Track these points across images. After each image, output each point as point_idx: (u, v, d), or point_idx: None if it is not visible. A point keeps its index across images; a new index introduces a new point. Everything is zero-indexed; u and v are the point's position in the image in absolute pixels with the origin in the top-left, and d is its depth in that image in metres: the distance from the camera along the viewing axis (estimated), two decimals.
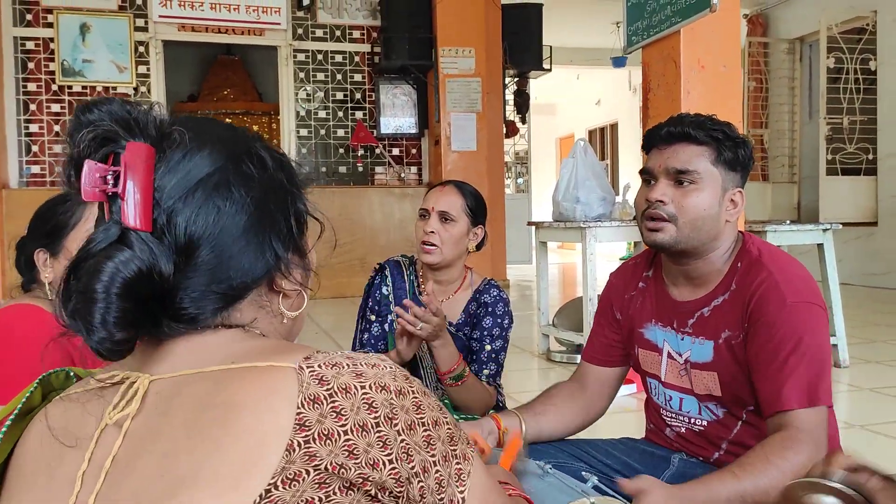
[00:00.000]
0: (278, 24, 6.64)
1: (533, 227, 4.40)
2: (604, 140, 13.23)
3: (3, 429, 0.69)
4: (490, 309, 1.90)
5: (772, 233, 3.62)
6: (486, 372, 1.88)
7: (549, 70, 7.98)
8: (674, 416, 1.47)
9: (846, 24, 7.19)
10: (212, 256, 0.67)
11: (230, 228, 0.68)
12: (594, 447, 1.51)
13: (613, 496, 1.20)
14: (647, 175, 1.40)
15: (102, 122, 0.64)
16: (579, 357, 1.98)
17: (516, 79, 8.12)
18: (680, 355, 1.42)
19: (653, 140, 1.41)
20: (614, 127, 12.82)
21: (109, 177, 0.63)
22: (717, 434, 1.40)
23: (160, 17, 6.32)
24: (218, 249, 0.67)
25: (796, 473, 1.05)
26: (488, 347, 1.88)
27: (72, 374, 0.76)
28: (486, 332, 1.89)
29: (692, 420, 1.43)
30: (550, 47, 7.92)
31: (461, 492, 0.66)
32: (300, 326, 0.80)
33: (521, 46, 7.43)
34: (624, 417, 2.81)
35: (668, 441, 1.49)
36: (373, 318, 1.96)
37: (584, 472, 1.32)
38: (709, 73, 3.23)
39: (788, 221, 4.53)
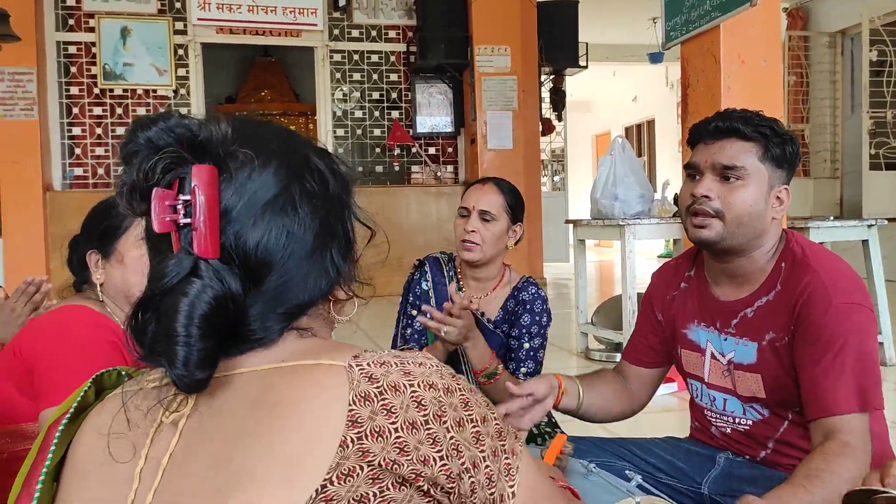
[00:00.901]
0: (315, 24, 6.70)
1: (570, 225, 4.37)
2: (640, 137, 13.09)
3: (61, 427, 0.70)
4: (528, 306, 1.90)
5: (815, 229, 3.55)
6: (523, 370, 1.87)
7: (585, 67, 7.93)
8: (718, 416, 1.45)
9: (888, 16, 7.01)
10: (280, 279, 0.67)
11: (298, 250, 0.67)
12: (638, 446, 1.50)
13: (658, 495, 1.19)
14: (692, 170, 1.38)
15: (161, 140, 0.62)
16: (619, 356, 1.97)
17: (552, 76, 8.08)
18: (723, 356, 1.40)
19: (699, 135, 1.39)
20: (651, 123, 12.67)
21: (180, 206, 0.62)
22: (763, 433, 1.38)
23: (199, 20, 6.41)
24: (286, 271, 0.67)
25: (853, 481, 1.03)
26: (527, 345, 1.88)
27: (123, 373, 0.77)
28: (524, 330, 1.88)
29: (737, 420, 1.41)
30: (587, 44, 7.86)
31: (511, 486, 0.67)
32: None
33: (557, 44, 7.39)
34: (665, 416, 2.78)
35: (714, 439, 1.48)
36: (414, 313, 1.97)
37: (627, 472, 1.30)
38: (749, 67, 3.18)
39: (832, 217, 4.43)
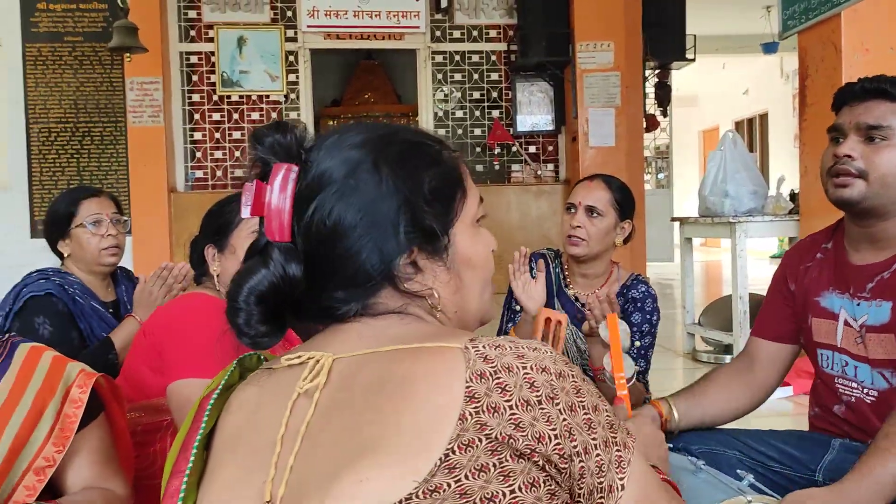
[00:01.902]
0: (417, 27, 6.82)
1: (676, 224, 4.26)
2: (752, 131, 12.54)
3: (211, 401, 0.77)
4: (639, 305, 1.88)
5: None
6: (635, 368, 1.86)
7: (693, 60, 7.67)
8: (847, 383, 1.42)
9: None
10: (337, 257, 0.73)
11: (352, 233, 0.73)
12: (749, 436, 1.47)
13: (771, 495, 1.16)
14: (836, 132, 1.37)
15: (258, 147, 0.75)
16: (728, 357, 1.91)
17: (657, 71, 7.87)
18: (856, 321, 1.38)
19: (844, 97, 1.37)
20: (764, 117, 12.12)
21: (267, 195, 0.73)
22: (889, 403, 1.33)
23: (308, 27, 6.65)
24: (341, 251, 0.73)
25: None
26: (637, 344, 1.86)
27: (262, 357, 0.85)
28: (634, 329, 1.87)
29: (865, 390, 1.38)
30: (695, 36, 7.61)
31: (621, 479, 0.68)
32: (472, 319, 0.83)
33: (663, 37, 7.17)
34: (779, 421, 2.68)
35: (833, 423, 1.44)
36: (518, 308, 1.99)
37: (739, 471, 1.28)
38: (873, 56, 3.02)
39: None
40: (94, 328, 2.00)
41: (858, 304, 1.38)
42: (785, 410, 2.84)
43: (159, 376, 1.53)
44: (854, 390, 1.40)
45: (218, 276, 1.64)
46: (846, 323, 1.40)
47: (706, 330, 3.87)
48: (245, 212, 0.74)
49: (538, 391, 0.65)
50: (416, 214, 0.75)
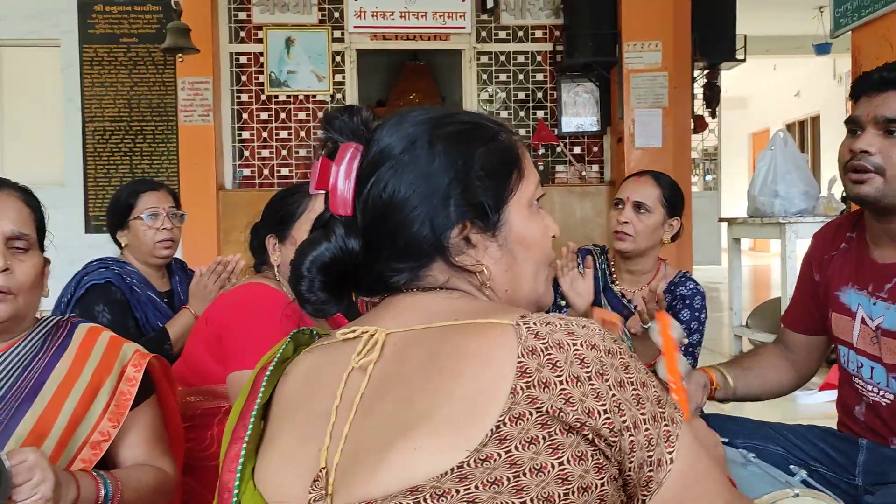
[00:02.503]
0: (463, 27, 6.84)
1: (723, 227, 4.20)
2: (804, 134, 12.26)
3: (268, 373, 0.80)
4: (688, 302, 1.87)
5: None
6: None
7: (743, 60, 7.53)
8: (864, 384, 1.38)
9: None
10: (391, 229, 0.76)
11: (405, 206, 0.76)
12: (792, 432, 1.45)
13: (823, 491, 1.14)
14: (854, 125, 1.31)
15: (328, 128, 0.81)
16: None
17: (706, 71, 7.75)
18: (872, 320, 1.33)
19: (863, 87, 1.32)
20: (815, 120, 11.84)
21: (332, 172, 0.77)
22: None
23: (355, 27, 6.72)
24: (395, 223, 0.76)
25: None
26: (685, 341, 1.85)
27: (315, 332, 0.88)
28: (684, 326, 1.85)
29: (881, 392, 1.34)
30: (745, 36, 7.48)
31: (670, 453, 0.68)
32: (525, 300, 0.83)
33: (713, 37, 7.06)
34: (827, 424, 2.62)
35: (856, 421, 1.41)
36: (563, 303, 1.99)
37: (792, 466, 1.27)
38: None
39: None
40: (149, 317, 2.06)
41: (875, 304, 1.33)
42: (832, 413, 2.78)
43: (219, 364, 1.56)
44: (870, 392, 1.36)
45: (278, 266, 1.65)
46: (863, 321, 1.35)
47: (754, 332, 3.81)
48: (312, 187, 0.79)
49: (588, 367, 0.66)
50: (469, 189, 0.77)
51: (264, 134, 6.80)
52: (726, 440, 1.37)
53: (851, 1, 3.25)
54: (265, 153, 6.82)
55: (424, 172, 0.76)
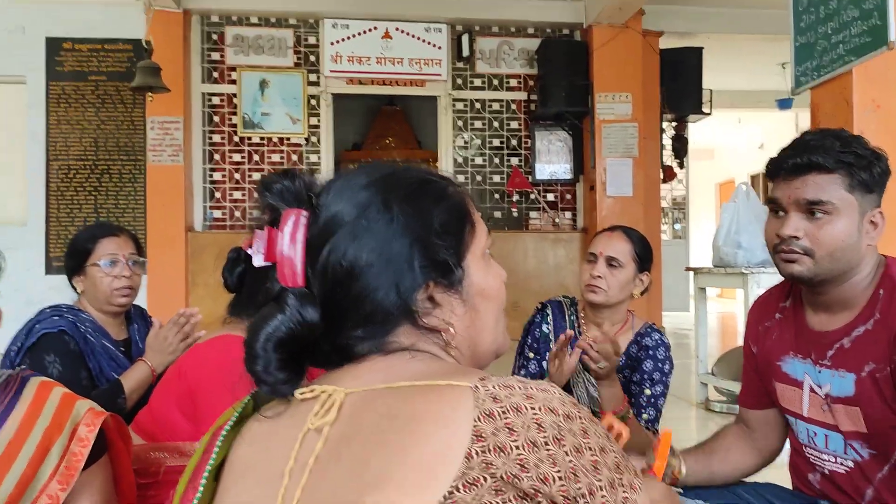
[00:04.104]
0: (439, 75, 6.94)
1: (691, 273, 4.26)
2: (767, 186, 12.53)
3: (223, 433, 0.79)
4: (651, 353, 1.89)
5: None
6: (644, 416, 1.85)
7: (709, 114, 7.76)
8: (818, 455, 1.36)
9: None
10: (353, 298, 0.75)
11: (379, 265, 0.74)
12: (748, 490, 1.44)
13: None
14: (776, 205, 1.32)
15: (267, 195, 0.77)
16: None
17: (674, 123, 7.95)
18: (820, 388, 1.32)
19: (778, 169, 1.32)
20: None
21: (278, 241, 0.74)
22: (865, 476, 1.28)
23: (331, 71, 6.78)
24: (357, 291, 0.74)
25: None
26: (648, 392, 1.86)
27: None
28: (646, 376, 1.86)
29: (838, 459, 1.32)
30: (711, 91, 7.70)
31: None
32: (486, 352, 0.83)
33: (680, 91, 7.28)
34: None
35: (811, 489, 1.39)
36: (531, 355, 2.00)
37: None
38: (885, 112, 3.04)
39: None
40: (103, 368, 1.98)
41: (821, 372, 1.32)
42: None
43: (190, 422, 1.49)
44: (826, 461, 1.34)
45: None
46: (811, 390, 1.34)
47: (720, 379, 3.84)
48: (258, 260, 0.75)
49: (545, 432, 0.65)
50: (430, 249, 0.76)
51: (237, 175, 6.79)
52: (681, 491, 1.37)
53: (811, 60, 3.36)
54: (237, 195, 6.80)
55: (384, 237, 0.75)
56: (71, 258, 2.07)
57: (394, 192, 0.78)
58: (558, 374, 1.77)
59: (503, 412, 0.65)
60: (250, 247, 1.68)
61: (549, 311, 2.03)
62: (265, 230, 0.75)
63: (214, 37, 6.77)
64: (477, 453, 0.63)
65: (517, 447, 0.63)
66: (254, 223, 0.77)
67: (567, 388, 1.87)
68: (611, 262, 1.88)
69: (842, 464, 1.32)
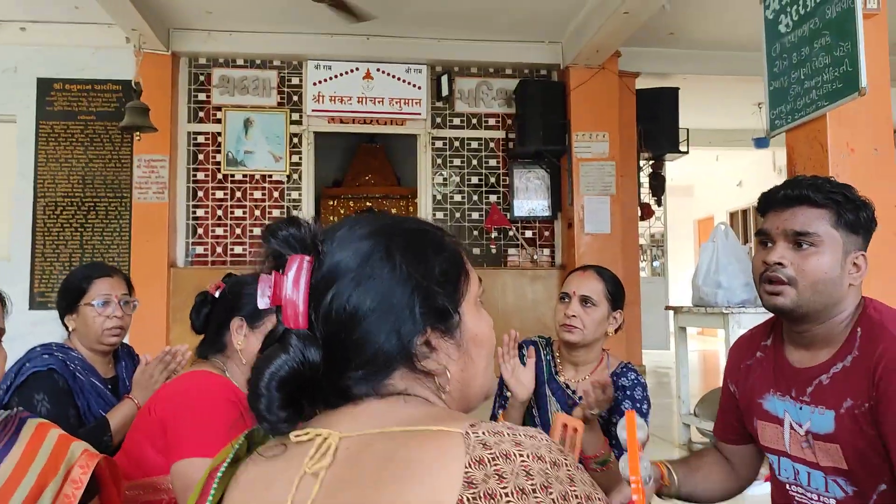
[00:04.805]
0: (419, 114, 7.03)
1: (671, 312, 4.30)
2: (746, 222, 12.74)
3: (219, 474, 0.80)
4: (628, 393, 1.90)
5: None
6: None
7: (686, 152, 7.89)
8: (801, 492, 1.38)
9: None
10: (355, 342, 0.77)
11: (379, 311, 0.78)
12: None
13: None
14: (764, 237, 1.38)
15: (272, 242, 0.80)
16: None
17: (651, 161, 8.08)
18: (800, 426, 1.35)
19: (769, 203, 1.39)
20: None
21: (283, 285, 0.77)
22: None
23: (313, 111, 6.85)
24: (360, 335, 0.77)
25: None
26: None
27: None
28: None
29: (821, 497, 1.34)
30: (687, 130, 7.85)
31: None
32: (476, 395, 0.86)
33: (657, 130, 7.42)
34: None
35: None
36: (509, 394, 2.00)
37: None
38: (859, 156, 3.13)
39: None
40: (91, 405, 2.01)
41: (801, 409, 1.36)
42: None
43: (161, 455, 1.52)
44: (811, 499, 1.37)
45: (242, 350, 1.63)
46: (791, 427, 1.38)
47: (702, 420, 3.85)
48: (263, 303, 0.78)
49: (533, 479, 0.67)
50: (430, 296, 0.80)
51: (219, 212, 6.79)
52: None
53: (785, 104, 3.45)
54: (219, 231, 6.79)
55: (387, 284, 0.78)
56: (65, 296, 2.10)
57: (395, 242, 0.81)
58: (515, 381, 1.83)
59: (493, 459, 0.67)
60: (217, 289, 1.72)
61: (524, 352, 2.05)
62: (272, 275, 0.78)
63: (201, 78, 6.83)
64: (468, 500, 0.64)
65: (506, 494, 0.65)
66: (260, 269, 0.81)
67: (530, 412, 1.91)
68: (584, 301, 1.91)
69: (824, 502, 1.34)
